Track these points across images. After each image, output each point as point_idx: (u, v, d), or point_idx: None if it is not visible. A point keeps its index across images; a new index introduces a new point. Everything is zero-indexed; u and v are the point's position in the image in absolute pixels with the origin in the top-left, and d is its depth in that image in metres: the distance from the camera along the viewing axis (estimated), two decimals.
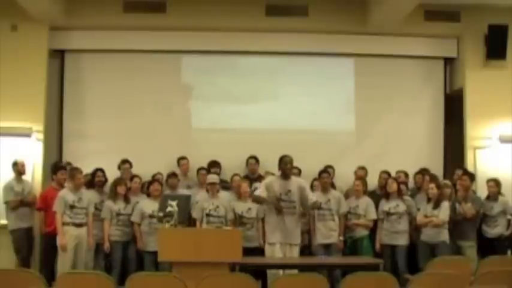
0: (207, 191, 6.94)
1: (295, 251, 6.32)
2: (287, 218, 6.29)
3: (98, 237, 6.85)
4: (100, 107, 8.32)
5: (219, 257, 5.54)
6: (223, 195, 7.09)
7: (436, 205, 6.76)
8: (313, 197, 6.53)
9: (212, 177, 7.00)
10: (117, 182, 7.06)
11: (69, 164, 7.31)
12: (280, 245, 6.24)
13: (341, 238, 6.98)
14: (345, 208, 7.06)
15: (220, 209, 6.77)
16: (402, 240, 7.00)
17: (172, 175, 7.47)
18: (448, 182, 7.30)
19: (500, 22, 8.18)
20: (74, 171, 6.64)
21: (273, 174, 7.44)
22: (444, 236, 6.71)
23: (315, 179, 7.58)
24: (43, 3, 7.49)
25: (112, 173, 7.49)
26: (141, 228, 6.89)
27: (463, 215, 6.89)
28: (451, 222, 6.77)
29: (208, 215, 6.74)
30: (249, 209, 6.88)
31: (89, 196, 6.74)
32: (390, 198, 7.10)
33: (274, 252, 6.23)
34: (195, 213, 6.84)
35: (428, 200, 6.87)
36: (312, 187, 7.51)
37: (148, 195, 7.10)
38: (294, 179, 6.50)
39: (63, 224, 6.38)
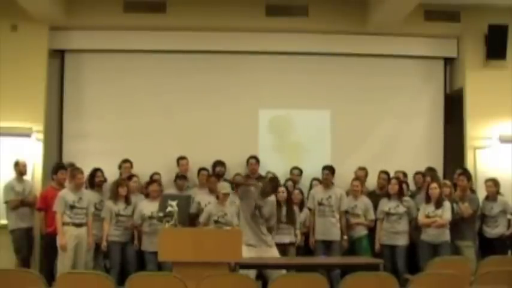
0: (217, 197, 6.79)
1: (273, 252, 6.31)
2: (260, 224, 6.27)
3: (97, 237, 6.85)
4: (100, 107, 8.31)
5: (219, 257, 5.53)
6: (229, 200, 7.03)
7: (439, 205, 6.76)
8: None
9: (225, 187, 6.78)
10: (119, 183, 7.04)
11: (71, 164, 7.30)
12: (253, 247, 6.21)
13: (345, 237, 6.97)
14: (346, 205, 7.06)
15: (228, 216, 6.65)
16: (402, 241, 7.00)
17: (182, 177, 7.44)
18: (447, 181, 7.30)
19: (500, 22, 8.18)
20: (75, 171, 6.63)
21: (273, 174, 7.50)
22: (446, 236, 6.73)
23: (314, 179, 7.61)
24: (43, 3, 7.49)
25: (112, 173, 7.50)
26: (142, 229, 6.89)
27: (461, 214, 6.89)
28: (451, 223, 6.77)
29: (216, 221, 6.61)
30: None
31: (89, 196, 6.74)
32: (391, 198, 7.10)
33: (248, 252, 6.14)
34: (202, 217, 6.74)
35: (428, 199, 6.87)
36: (310, 186, 7.54)
37: (147, 195, 7.08)
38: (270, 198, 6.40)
39: (63, 224, 6.38)
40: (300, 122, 8.49)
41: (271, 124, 8.46)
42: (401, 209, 7.04)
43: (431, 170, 7.65)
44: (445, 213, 6.71)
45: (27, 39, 7.89)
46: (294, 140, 8.45)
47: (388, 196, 7.13)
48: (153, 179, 7.31)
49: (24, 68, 7.84)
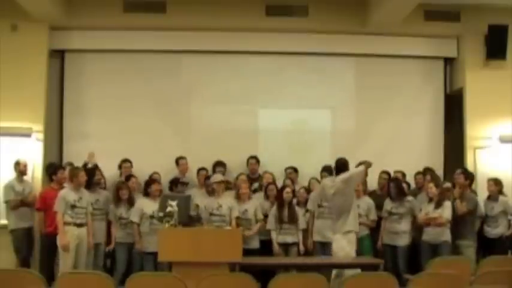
0: (212, 190, 6.90)
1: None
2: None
3: (94, 237, 6.75)
4: (100, 107, 8.31)
5: (219, 257, 5.54)
6: (226, 194, 7.06)
7: (438, 205, 6.76)
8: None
9: (217, 177, 7.00)
10: (119, 186, 7.04)
11: (70, 164, 7.29)
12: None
13: None
14: None
15: (223, 208, 6.74)
16: (402, 241, 6.99)
17: (180, 184, 7.40)
18: (448, 183, 7.28)
19: (500, 22, 8.18)
20: (76, 170, 6.63)
21: (271, 174, 7.50)
22: (447, 235, 6.71)
23: (312, 178, 7.60)
24: (43, 3, 7.49)
25: (112, 173, 7.50)
26: (141, 229, 6.83)
27: (456, 212, 6.89)
28: (451, 222, 6.77)
29: (211, 214, 6.72)
30: (245, 210, 6.90)
31: (87, 195, 6.72)
32: (394, 199, 7.10)
33: None
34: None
35: (430, 199, 6.87)
36: (309, 185, 7.53)
37: (147, 195, 7.02)
38: None
39: (64, 223, 6.36)
40: (300, 122, 8.49)
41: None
42: (402, 209, 7.03)
43: (428, 170, 7.64)
44: (445, 212, 6.71)
45: (27, 39, 7.89)
46: (294, 140, 8.44)
47: (390, 196, 7.12)
48: (153, 178, 7.29)
49: (24, 68, 7.83)
